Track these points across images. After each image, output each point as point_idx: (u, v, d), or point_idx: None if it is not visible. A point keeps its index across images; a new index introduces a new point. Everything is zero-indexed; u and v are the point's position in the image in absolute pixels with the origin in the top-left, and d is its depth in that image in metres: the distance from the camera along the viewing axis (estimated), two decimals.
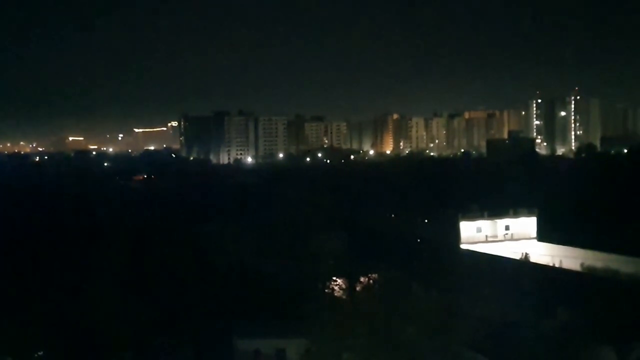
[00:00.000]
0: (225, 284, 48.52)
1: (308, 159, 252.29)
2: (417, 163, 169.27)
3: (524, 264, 57.38)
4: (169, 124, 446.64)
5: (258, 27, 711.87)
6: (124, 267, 48.02)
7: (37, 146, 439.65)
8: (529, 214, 71.77)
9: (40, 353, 38.86)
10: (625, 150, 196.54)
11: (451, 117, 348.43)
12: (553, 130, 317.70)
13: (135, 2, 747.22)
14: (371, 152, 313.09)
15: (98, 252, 52.09)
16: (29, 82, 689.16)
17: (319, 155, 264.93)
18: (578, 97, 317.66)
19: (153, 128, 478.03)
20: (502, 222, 71.41)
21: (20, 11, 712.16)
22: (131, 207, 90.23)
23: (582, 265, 53.03)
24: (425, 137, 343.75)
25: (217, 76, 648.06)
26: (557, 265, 55.28)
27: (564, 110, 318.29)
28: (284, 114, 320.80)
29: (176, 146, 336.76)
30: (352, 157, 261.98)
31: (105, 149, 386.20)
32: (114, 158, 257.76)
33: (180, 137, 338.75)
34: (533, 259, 58.56)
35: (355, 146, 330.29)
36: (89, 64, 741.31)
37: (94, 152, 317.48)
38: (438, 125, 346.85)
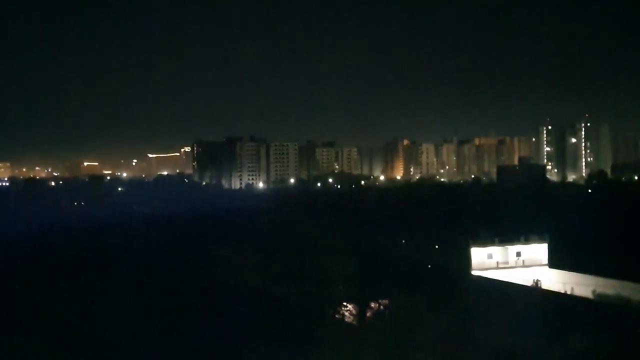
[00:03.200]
0: (234, 308, 48.90)
1: (319, 184, 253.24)
2: (427, 189, 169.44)
3: (535, 291, 57.30)
4: (182, 150, 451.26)
5: (269, 54, 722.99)
6: (134, 289, 48.74)
7: (52, 171, 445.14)
8: (540, 240, 71.72)
9: None
10: (637, 178, 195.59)
11: (461, 143, 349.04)
12: (564, 157, 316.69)
13: (150, 30, 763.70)
14: (382, 177, 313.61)
15: (110, 273, 52.94)
16: (44, 108, 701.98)
17: (330, 180, 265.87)
18: (588, 124, 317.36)
19: (166, 153, 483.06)
20: (513, 249, 71.36)
21: (36, 38, 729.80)
22: (143, 230, 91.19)
23: (593, 292, 52.93)
24: (435, 163, 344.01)
25: (229, 102, 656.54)
26: (568, 292, 55.14)
27: (574, 137, 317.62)
28: (295, 140, 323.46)
29: (189, 171, 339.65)
30: (362, 182, 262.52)
31: (119, 174, 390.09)
32: (129, 183, 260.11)
33: (193, 162, 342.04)
34: (544, 285, 58.47)
35: (365, 171, 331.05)
36: (104, 89, 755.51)
37: (108, 177, 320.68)
38: (448, 152, 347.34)
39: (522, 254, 71.22)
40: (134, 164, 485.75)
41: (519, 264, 70.56)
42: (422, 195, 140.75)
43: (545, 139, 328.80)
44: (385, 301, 50.49)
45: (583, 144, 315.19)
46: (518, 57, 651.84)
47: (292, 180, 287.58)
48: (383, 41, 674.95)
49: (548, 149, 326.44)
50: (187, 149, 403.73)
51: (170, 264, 58.34)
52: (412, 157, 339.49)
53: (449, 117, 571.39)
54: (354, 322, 49.97)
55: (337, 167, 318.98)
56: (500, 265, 69.81)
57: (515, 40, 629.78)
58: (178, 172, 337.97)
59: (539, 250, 71.35)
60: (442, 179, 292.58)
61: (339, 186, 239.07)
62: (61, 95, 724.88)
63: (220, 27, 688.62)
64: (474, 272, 67.82)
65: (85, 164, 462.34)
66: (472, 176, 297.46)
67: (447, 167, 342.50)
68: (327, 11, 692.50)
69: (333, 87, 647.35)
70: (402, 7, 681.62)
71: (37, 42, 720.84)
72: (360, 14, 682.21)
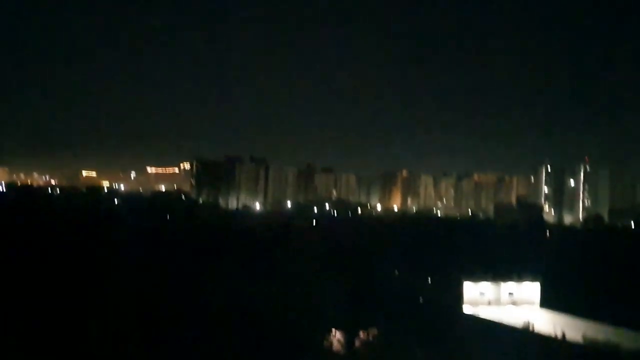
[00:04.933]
0: (221, 331, 48.34)
1: (316, 210, 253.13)
2: (424, 222, 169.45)
3: (526, 333, 56.82)
4: (181, 165, 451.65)
5: (273, 76, 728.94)
6: (124, 305, 48.28)
7: (50, 179, 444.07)
8: (533, 279, 71.49)
9: None
10: (633, 223, 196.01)
11: (460, 178, 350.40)
12: (561, 198, 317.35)
13: (151, 43, 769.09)
14: (379, 207, 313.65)
15: (102, 286, 52.52)
16: (45, 115, 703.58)
17: (327, 206, 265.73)
18: (588, 168, 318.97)
19: (165, 168, 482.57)
20: (505, 286, 71.03)
21: (36, 46, 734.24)
22: (136, 247, 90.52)
23: (583, 336, 52.54)
24: (433, 196, 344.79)
25: (231, 120, 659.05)
26: (558, 334, 54.70)
27: (573, 180, 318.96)
28: (294, 161, 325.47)
29: (186, 188, 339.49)
30: (359, 210, 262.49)
31: (117, 186, 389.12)
32: (126, 197, 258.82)
33: (192, 179, 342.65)
34: (535, 327, 58.01)
35: (363, 199, 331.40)
36: (106, 99, 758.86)
37: (106, 189, 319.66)
38: (447, 185, 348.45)
39: (514, 292, 70.89)
40: (132, 177, 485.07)
41: (510, 302, 70.18)
42: (418, 227, 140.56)
43: (544, 179, 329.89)
44: (375, 331, 50.05)
45: (581, 187, 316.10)
46: (519, 95, 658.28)
47: (289, 204, 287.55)
48: (386, 70, 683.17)
49: (546, 189, 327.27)
50: (187, 165, 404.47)
51: (155, 279, 57.75)
52: (410, 189, 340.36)
53: (449, 151, 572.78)
54: (341, 351, 49.43)
55: (335, 193, 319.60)
56: (492, 303, 69.38)
57: (519, 79, 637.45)
58: (176, 189, 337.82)
59: (530, 290, 71.05)
60: (439, 213, 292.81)
61: (335, 213, 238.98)
62: (62, 102, 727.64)
63: (223, 44, 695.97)
64: (466, 308, 67.35)
65: (84, 173, 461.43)
66: (470, 211, 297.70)
67: (444, 201, 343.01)
68: (330, 37, 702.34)
69: (334, 113, 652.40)
70: (405, 37, 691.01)
71: (40, 49, 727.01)
72: (363, 42, 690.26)
